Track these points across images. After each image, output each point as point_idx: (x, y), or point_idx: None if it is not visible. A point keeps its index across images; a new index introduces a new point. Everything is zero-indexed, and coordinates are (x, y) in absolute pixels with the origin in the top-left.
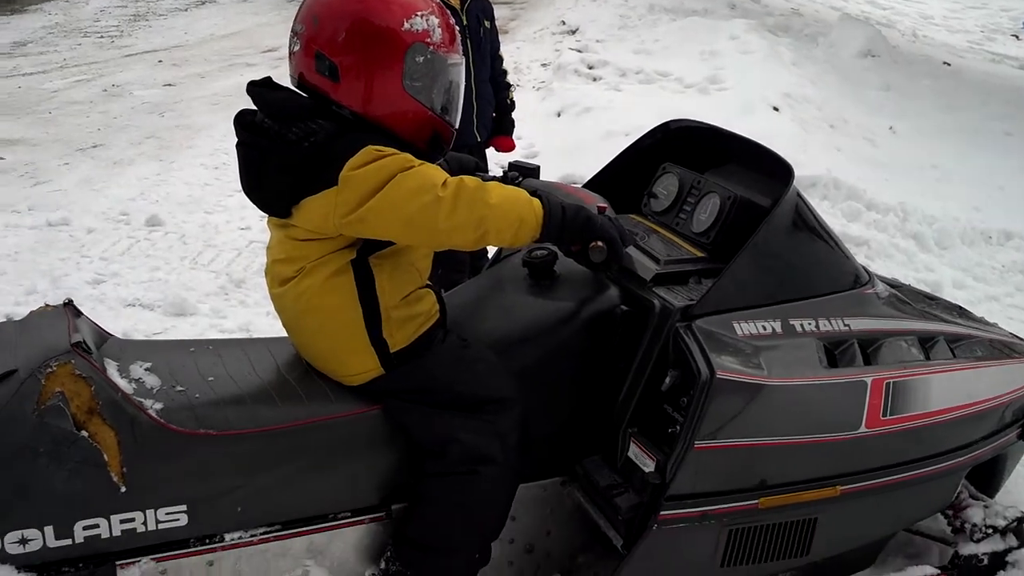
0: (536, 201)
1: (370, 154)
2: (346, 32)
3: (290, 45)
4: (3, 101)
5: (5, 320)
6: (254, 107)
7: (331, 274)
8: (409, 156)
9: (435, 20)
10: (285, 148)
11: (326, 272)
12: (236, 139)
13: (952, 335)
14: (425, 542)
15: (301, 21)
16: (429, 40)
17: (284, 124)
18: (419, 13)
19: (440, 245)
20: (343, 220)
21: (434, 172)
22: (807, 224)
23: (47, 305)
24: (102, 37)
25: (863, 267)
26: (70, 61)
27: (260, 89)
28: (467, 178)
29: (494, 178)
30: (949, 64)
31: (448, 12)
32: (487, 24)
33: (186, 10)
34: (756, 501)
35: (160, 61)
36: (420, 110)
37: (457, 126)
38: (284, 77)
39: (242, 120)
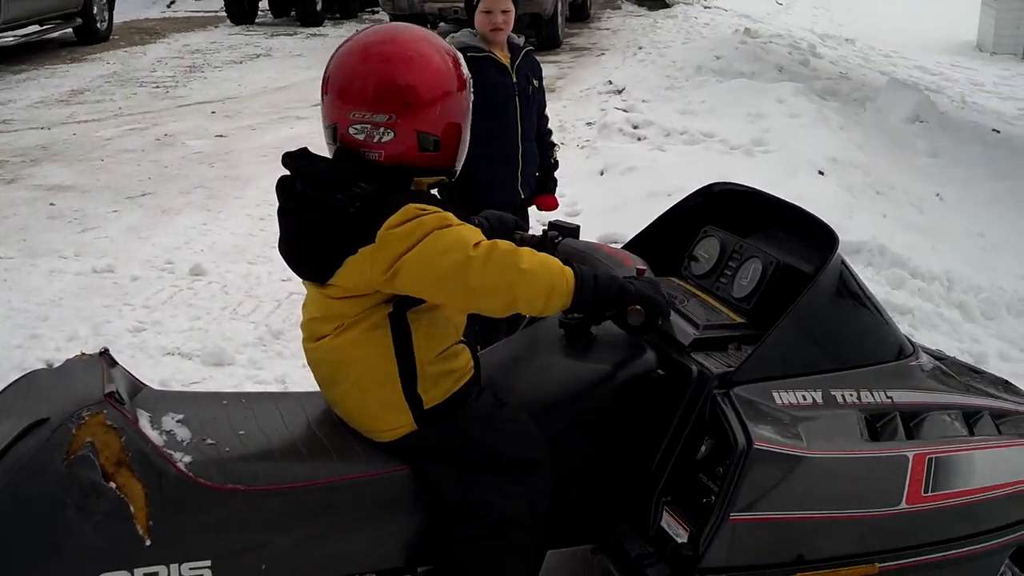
0: (568, 270)
1: (411, 212)
2: None
3: None
4: (58, 148)
5: (44, 367)
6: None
7: (368, 328)
8: (448, 215)
9: None
10: (331, 214)
11: (363, 326)
12: (278, 206)
13: (997, 410)
14: None
15: None
16: None
17: (328, 192)
18: None
19: (469, 306)
20: (381, 277)
21: (469, 232)
22: (851, 292)
23: (83, 353)
24: (157, 87)
25: (907, 338)
26: (125, 110)
27: (299, 162)
28: (501, 242)
29: (534, 237)
30: (999, 131)
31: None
32: (535, 83)
33: (241, 63)
34: None
35: (213, 112)
36: None
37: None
38: None
39: (283, 187)
